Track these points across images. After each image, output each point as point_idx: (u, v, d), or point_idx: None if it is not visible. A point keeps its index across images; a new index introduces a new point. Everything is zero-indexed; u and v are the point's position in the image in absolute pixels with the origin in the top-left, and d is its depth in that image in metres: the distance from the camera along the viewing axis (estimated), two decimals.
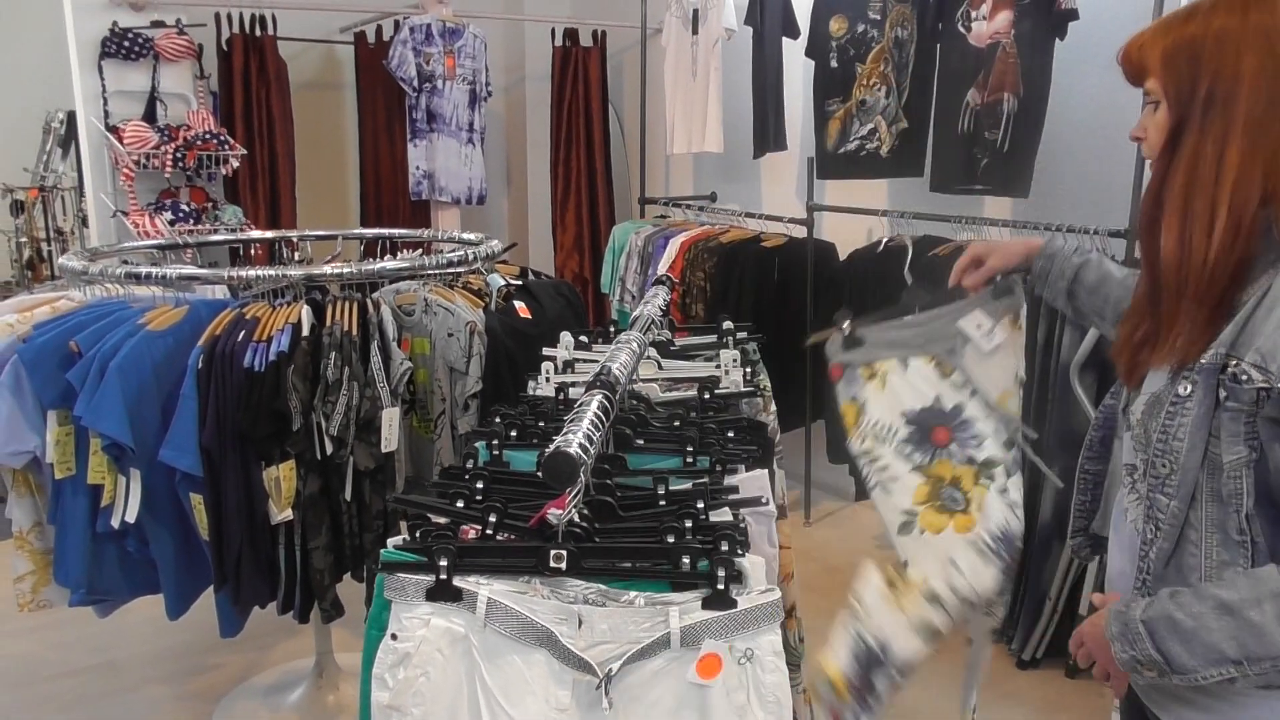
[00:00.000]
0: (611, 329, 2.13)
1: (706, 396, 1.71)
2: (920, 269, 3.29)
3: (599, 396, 1.34)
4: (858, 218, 3.89)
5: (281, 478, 2.18)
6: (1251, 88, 1.07)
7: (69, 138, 6.40)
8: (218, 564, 2.23)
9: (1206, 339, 1.13)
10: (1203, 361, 1.12)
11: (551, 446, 1.19)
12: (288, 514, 2.20)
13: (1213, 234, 1.09)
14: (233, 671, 3.00)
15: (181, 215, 4.03)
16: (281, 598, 2.29)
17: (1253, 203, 1.08)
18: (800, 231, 3.92)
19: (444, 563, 1.21)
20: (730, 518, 1.30)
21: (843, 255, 3.83)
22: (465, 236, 3.04)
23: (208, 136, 4.05)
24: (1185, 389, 1.13)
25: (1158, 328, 1.19)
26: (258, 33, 4.51)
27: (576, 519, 1.25)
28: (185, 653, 3.09)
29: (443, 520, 1.30)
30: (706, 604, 1.18)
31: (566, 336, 2.01)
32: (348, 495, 2.24)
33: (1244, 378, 1.07)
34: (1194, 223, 1.11)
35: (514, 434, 1.56)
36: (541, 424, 1.59)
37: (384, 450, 2.24)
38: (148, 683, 2.96)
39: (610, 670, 1.18)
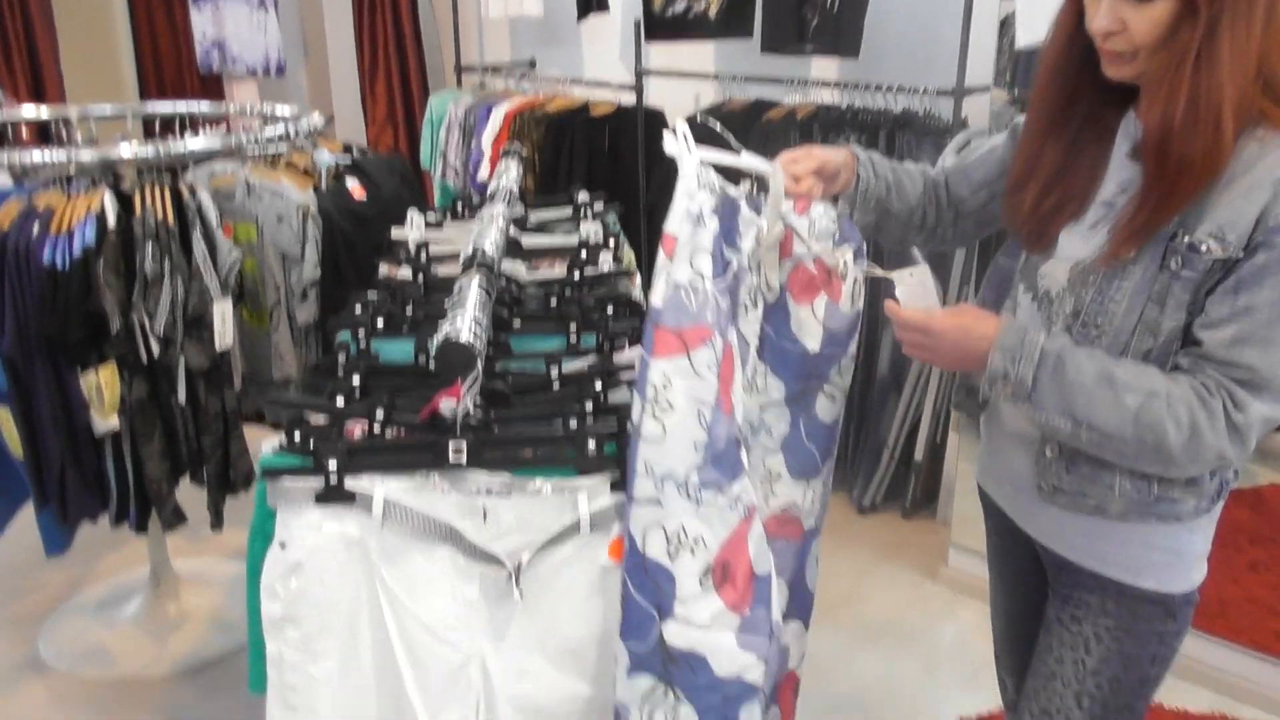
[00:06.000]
0: (459, 205, 2.01)
1: (578, 276, 1.64)
2: (752, 136, 3.28)
3: (478, 277, 1.26)
4: (686, 82, 3.82)
5: (102, 384, 1.99)
6: None
7: None
8: (36, 483, 2.03)
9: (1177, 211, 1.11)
10: None
11: (440, 334, 1.11)
12: (113, 422, 2.02)
13: (1222, 121, 1.06)
14: (57, 590, 2.78)
15: None
16: (115, 510, 2.12)
17: (1252, 86, 1.06)
18: (628, 98, 3.82)
19: (333, 465, 1.12)
20: (629, 398, 1.26)
21: (671, 122, 3.76)
22: (280, 110, 2.78)
23: None
24: (1129, 254, 1.14)
25: (1140, 200, 1.14)
26: None
27: (470, 409, 1.19)
28: (0, 575, 2.84)
29: (323, 419, 1.21)
30: (615, 486, 1.15)
31: (416, 215, 1.88)
32: (181, 398, 2.07)
33: (1202, 247, 1.09)
34: (1203, 112, 1.06)
35: (381, 323, 1.46)
36: (409, 310, 1.49)
37: (218, 347, 2.07)
38: None
39: (521, 561, 1.15)
